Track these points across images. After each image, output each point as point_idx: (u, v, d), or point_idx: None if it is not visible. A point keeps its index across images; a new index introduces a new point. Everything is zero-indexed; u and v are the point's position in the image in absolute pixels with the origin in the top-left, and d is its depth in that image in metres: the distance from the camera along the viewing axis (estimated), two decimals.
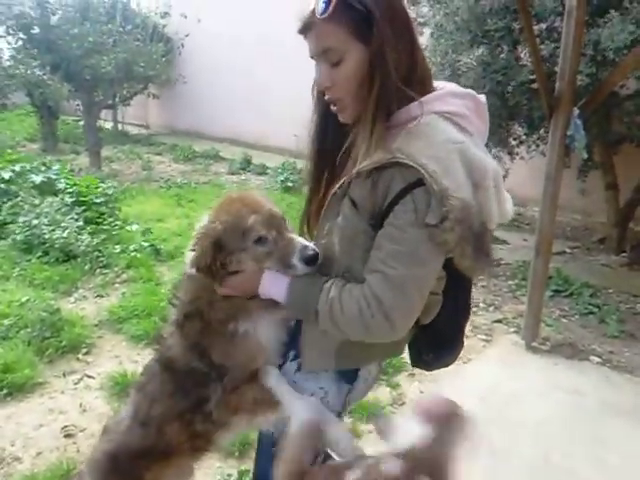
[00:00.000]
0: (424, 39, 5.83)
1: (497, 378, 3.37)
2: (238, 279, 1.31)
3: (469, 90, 1.26)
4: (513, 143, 6.01)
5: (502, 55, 5.18)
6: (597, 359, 3.70)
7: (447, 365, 1.49)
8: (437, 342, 1.39)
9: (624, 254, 5.82)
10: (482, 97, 1.28)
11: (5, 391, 2.93)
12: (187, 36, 11.55)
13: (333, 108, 1.25)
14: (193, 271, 1.34)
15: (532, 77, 4.97)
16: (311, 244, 1.29)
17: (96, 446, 1.50)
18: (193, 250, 1.34)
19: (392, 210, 1.12)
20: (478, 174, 1.12)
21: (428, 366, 1.49)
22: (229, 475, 2.41)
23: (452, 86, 1.26)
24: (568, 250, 6.06)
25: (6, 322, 3.51)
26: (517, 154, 6.01)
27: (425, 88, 1.21)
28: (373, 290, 1.14)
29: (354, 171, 1.17)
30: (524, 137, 5.94)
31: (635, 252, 5.72)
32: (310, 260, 1.25)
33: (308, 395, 1.33)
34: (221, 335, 1.32)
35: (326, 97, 1.24)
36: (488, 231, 1.15)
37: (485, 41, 5.00)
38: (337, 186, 1.23)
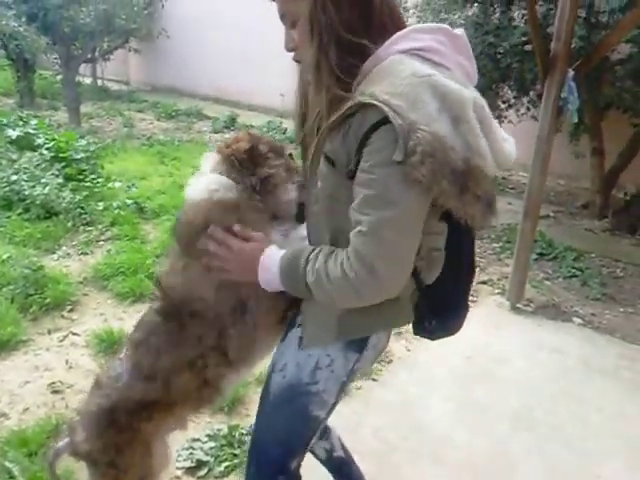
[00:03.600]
0: None
1: (482, 338, 3.42)
2: (244, 248, 1.26)
3: (441, 25, 1.15)
4: (502, 106, 5.98)
5: (495, 15, 5.09)
6: (579, 320, 3.77)
7: (452, 333, 1.37)
8: (441, 305, 1.28)
9: (606, 219, 5.89)
10: (459, 31, 1.17)
11: None
12: None
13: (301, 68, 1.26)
14: (206, 187, 1.32)
15: (525, 39, 4.91)
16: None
17: (89, 400, 1.45)
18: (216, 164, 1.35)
19: (362, 155, 1.05)
20: (455, 106, 1.02)
21: (431, 334, 1.36)
22: (219, 430, 2.42)
23: (419, 25, 1.15)
24: (552, 214, 6.11)
25: None
26: (506, 117, 5.98)
27: (387, 34, 1.11)
28: (353, 245, 1.08)
29: (323, 128, 1.12)
30: (513, 100, 5.90)
31: (617, 218, 5.78)
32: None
33: (314, 362, 1.28)
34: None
35: (292, 59, 1.24)
36: (477, 170, 1.03)
37: (478, 0, 4.89)
38: (311, 151, 1.18)
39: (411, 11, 5.70)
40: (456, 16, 5.03)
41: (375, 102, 1.00)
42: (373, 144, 1.03)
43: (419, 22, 5.43)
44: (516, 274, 3.82)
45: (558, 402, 2.87)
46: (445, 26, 1.15)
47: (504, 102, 5.91)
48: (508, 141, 1.17)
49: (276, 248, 1.25)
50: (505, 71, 4.98)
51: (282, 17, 1.20)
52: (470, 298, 4.17)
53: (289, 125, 9.39)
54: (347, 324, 1.23)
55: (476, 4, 4.92)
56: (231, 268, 1.27)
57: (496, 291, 4.11)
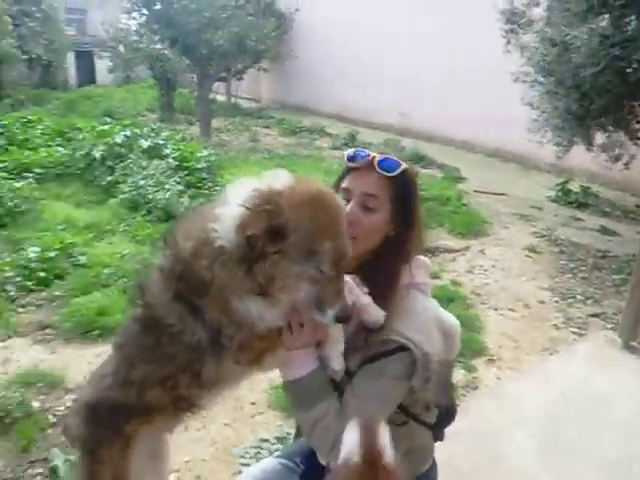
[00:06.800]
0: (540, 10, 5.45)
1: (584, 375, 3.11)
2: (303, 331, 1.25)
3: (420, 258, 1.44)
4: (637, 127, 5.47)
5: (630, 26, 4.68)
6: None
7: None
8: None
9: None
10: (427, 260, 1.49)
11: (97, 332, 3.20)
12: (297, 11, 11.66)
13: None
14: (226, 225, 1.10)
15: None
16: (350, 303, 1.20)
17: (81, 391, 1.53)
18: (246, 207, 1.09)
19: (378, 359, 1.28)
20: (448, 331, 1.40)
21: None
22: (288, 434, 2.45)
23: (416, 259, 1.41)
24: None
25: (106, 271, 3.82)
26: (639, 138, 5.46)
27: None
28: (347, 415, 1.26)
29: (362, 356, 1.30)
30: None
31: None
32: (342, 319, 1.17)
33: None
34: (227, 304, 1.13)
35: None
36: (452, 365, 1.46)
37: (604, 10, 4.53)
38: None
39: (535, 24, 5.44)
40: (575, 32, 4.66)
41: (405, 341, 1.26)
42: (393, 361, 1.28)
43: (541, 36, 5.17)
44: (630, 308, 3.45)
45: None
46: (422, 259, 1.45)
47: (638, 122, 5.40)
48: None
49: (314, 359, 1.30)
50: (634, 87, 4.54)
51: (365, 195, 1.30)
52: (577, 330, 3.90)
53: (407, 143, 9.36)
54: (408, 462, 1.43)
55: (602, 15, 4.56)
56: (289, 344, 1.27)
57: (608, 326, 3.73)
